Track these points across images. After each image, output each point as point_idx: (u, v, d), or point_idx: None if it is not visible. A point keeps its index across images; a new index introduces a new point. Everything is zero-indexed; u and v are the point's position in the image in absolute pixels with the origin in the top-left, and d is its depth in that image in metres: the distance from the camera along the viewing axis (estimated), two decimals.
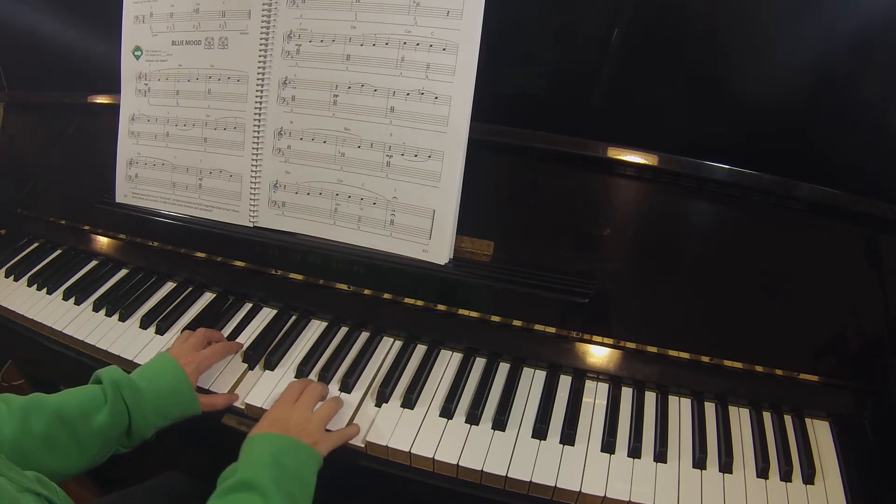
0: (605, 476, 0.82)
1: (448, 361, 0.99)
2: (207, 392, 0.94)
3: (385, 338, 1.03)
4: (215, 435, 0.95)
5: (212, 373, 0.97)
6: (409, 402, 0.91)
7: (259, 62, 1.02)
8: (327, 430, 0.85)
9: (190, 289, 1.15)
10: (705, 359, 0.93)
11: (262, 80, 1.02)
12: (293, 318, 1.07)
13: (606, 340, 0.95)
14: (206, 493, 0.73)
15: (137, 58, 1.12)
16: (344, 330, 1.05)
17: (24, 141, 1.39)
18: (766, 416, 0.91)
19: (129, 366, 0.98)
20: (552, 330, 0.97)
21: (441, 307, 1.01)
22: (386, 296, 1.04)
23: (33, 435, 0.73)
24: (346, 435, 0.85)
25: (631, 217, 0.96)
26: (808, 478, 0.83)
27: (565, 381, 0.95)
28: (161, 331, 1.06)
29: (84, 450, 0.77)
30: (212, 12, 1.04)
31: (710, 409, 0.92)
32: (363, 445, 0.87)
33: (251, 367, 0.98)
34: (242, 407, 0.93)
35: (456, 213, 0.94)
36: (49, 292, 1.16)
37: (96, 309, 1.11)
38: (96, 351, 1.04)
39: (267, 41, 1.01)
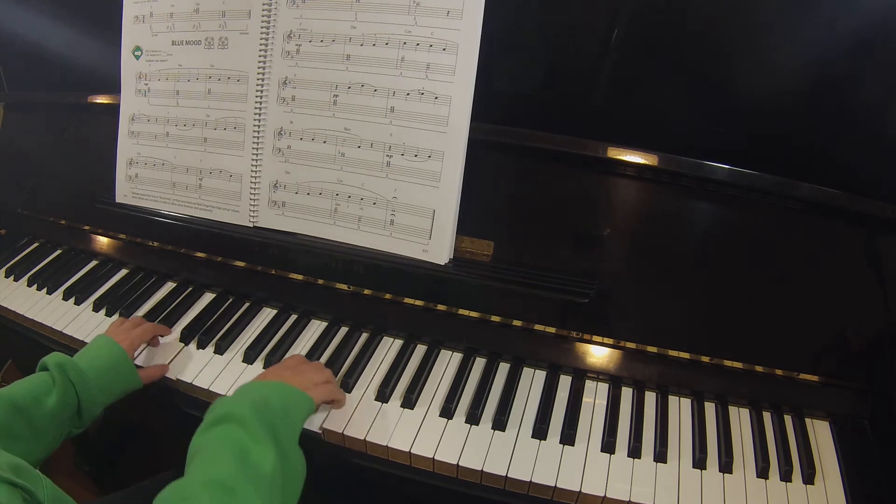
0: (605, 476, 0.82)
1: (448, 361, 0.99)
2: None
3: (385, 338, 1.03)
4: None
5: (211, 373, 0.97)
6: (409, 402, 0.91)
7: (259, 62, 1.02)
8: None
9: (190, 289, 1.15)
10: (705, 359, 0.93)
11: (262, 80, 1.02)
12: (293, 318, 1.07)
13: (606, 340, 0.95)
14: None
15: (137, 58, 1.12)
16: (344, 330, 1.05)
17: (24, 141, 1.39)
18: (766, 416, 0.91)
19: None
20: (552, 330, 0.97)
21: (441, 307, 1.01)
22: (386, 296, 1.04)
23: None
24: (336, 393, 0.88)
25: (631, 217, 0.95)
26: (808, 478, 0.83)
27: (565, 381, 0.95)
28: None
29: (39, 435, 0.79)
30: (212, 12, 1.04)
31: (710, 409, 0.92)
32: (364, 445, 0.87)
33: (250, 366, 0.98)
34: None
35: (456, 213, 0.94)
36: (49, 292, 1.16)
37: (96, 309, 1.11)
38: None
39: (267, 41, 1.01)
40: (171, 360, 1.00)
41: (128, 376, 0.91)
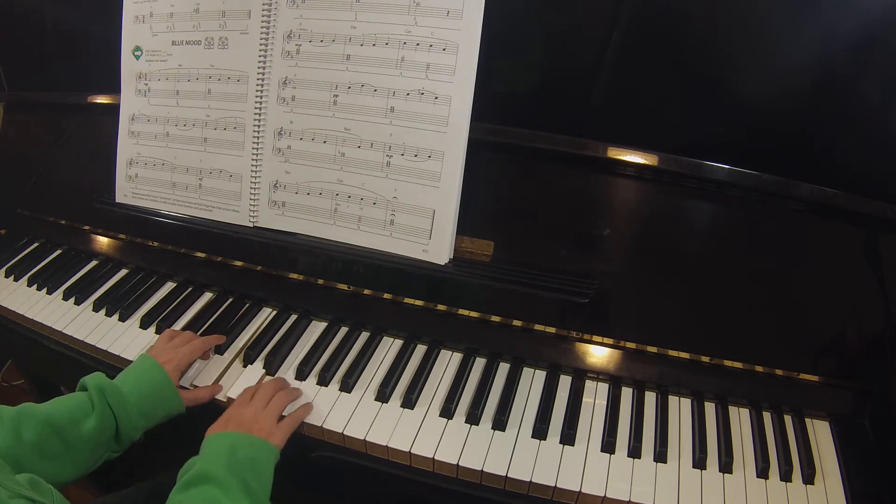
0: (605, 476, 0.82)
1: (448, 361, 0.99)
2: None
3: (385, 338, 1.03)
4: None
5: (211, 374, 0.97)
6: (409, 402, 0.91)
7: (259, 62, 1.02)
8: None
9: (190, 289, 1.15)
10: (705, 359, 0.93)
11: (262, 80, 1.02)
12: (293, 318, 1.07)
13: (606, 340, 0.95)
14: None
15: (137, 58, 1.12)
16: (344, 330, 1.05)
17: (24, 141, 1.39)
18: (766, 416, 0.91)
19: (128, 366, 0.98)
20: (552, 330, 0.97)
21: (441, 307, 1.01)
22: (386, 296, 1.04)
23: (25, 443, 0.75)
24: (297, 417, 0.87)
25: (631, 217, 0.96)
26: (808, 478, 0.83)
27: (565, 381, 0.95)
28: (161, 331, 1.05)
29: (75, 456, 0.78)
30: (212, 12, 1.04)
31: (710, 409, 0.92)
32: (364, 445, 0.87)
33: (251, 365, 0.98)
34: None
35: (456, 213, 0.94)
36: (49, 292, 1.16)
37: (96, 309, 1.11)
38: (96, 351, 1.04)
39: (267, 41, 1.01)
40: (219, 379, 0.97)
41: (170, 401, 0.88)
